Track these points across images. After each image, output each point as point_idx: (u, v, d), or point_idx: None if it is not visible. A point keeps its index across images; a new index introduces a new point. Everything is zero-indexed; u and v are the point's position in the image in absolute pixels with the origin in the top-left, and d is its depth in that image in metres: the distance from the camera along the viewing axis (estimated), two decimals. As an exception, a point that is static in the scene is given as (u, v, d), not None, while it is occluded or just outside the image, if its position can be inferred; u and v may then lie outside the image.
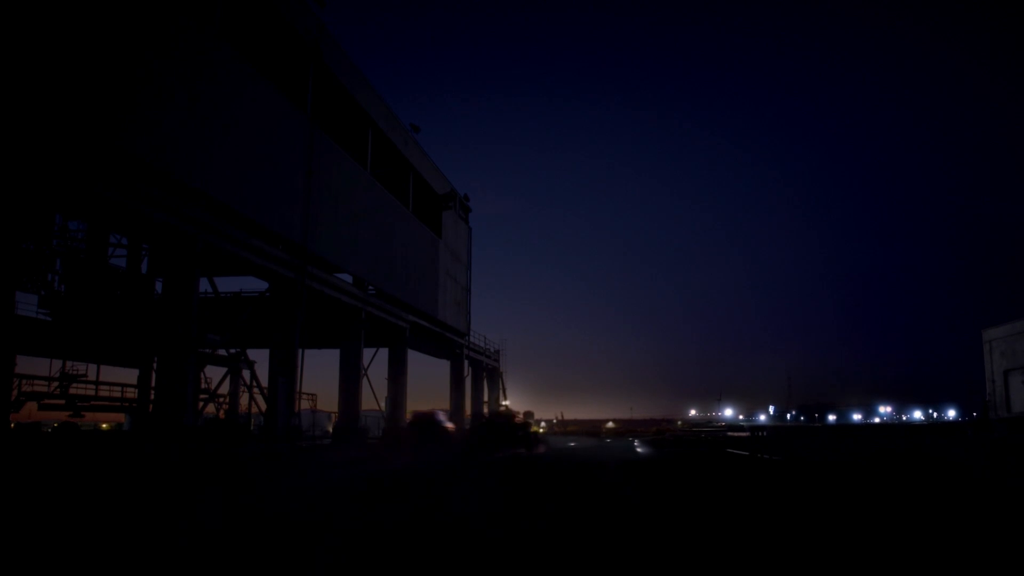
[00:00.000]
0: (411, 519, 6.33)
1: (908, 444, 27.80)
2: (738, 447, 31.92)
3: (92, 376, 29.25)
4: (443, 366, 36.72)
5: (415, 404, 74.92)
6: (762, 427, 39.92)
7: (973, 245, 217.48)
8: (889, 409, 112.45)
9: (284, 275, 19.34)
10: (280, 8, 18.43)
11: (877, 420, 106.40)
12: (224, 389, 31.13)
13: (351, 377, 24.55)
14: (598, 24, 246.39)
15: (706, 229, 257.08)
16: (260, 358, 34.32)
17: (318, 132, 20.31)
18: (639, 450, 33.52)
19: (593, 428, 71.07)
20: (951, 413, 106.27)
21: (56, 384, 27.62)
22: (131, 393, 31.06)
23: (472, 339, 36.78)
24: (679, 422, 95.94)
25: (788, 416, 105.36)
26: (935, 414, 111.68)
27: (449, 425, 26.09)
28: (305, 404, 41.65)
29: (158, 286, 24.74)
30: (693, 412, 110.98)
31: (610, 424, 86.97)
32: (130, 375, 30.08)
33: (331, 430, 50.60)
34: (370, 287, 25.11)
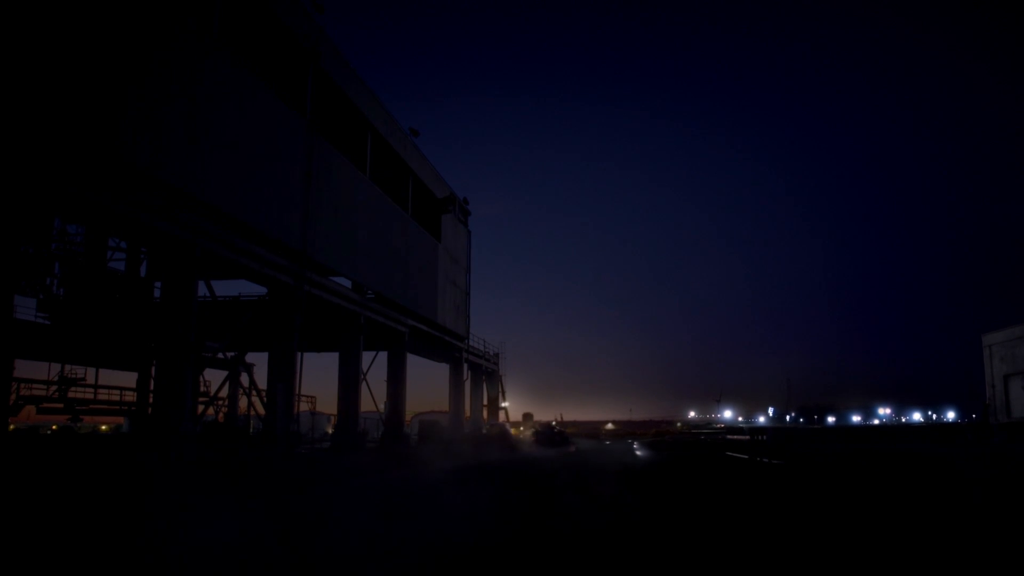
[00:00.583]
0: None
1: (908, 448, 27.86)
2: (738, 450, 31.94)
3: (91, 380, 29.24)
4: (442, 367, 36.72)
5: (414, 406, 74.88)
6: (762, 430, 39.89)
7: (973, 246, 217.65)
8: (888, 411, 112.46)
9: (283, 281, 19.30)
10: (279, 14, 18.39)
11: (876, 422, 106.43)
12: (224, 392, 31.13)
13: (350, 382, 24.52)
14: (597, 25, 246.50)
15: (705, 230, 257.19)
16: (260, 360, 34.33)
17: (317, 137, 20.28)
18: (638, 453, 33.51)
19: (592, 430, 71.06)
20: (950, 415, 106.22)
21: (55, 388, 27.61)
22: (130, 396, 31.03)
23: (471, 342, 36.76)
24: (678, 424, 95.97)
25: (787, 418, 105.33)
26: (934, 416, 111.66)
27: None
28: (304, 406, 41.66)
29: (157, 289, 24.73)
30: (692, 414, 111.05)
31: (609, 426, 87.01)
32: (129, 378, 30.07)
33: (330, 432, 50.66)
34: (369, 292, 25.08)
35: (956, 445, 28.88)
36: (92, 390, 29.70)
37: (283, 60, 19.78)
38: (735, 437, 35.01)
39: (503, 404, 45.00)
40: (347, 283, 23.68)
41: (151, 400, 22.77)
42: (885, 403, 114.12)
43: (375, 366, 27.68)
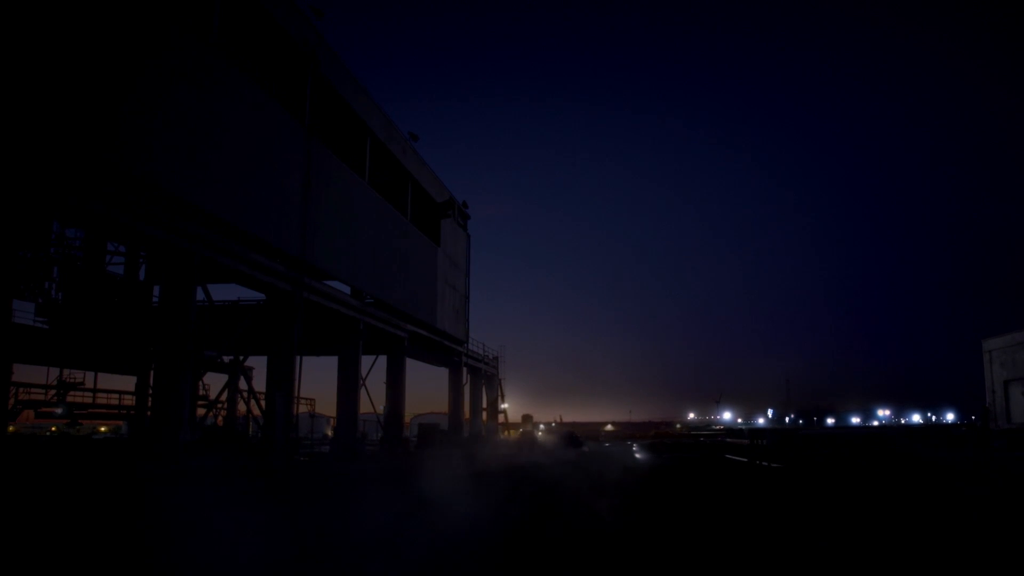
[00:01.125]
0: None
1: (910, 451, 27.86)
2: (737, 454, 31.89)
3: (89, 383, 29.20)
4: (441, 369, 36.70)
5: (413, 407, 74.83)
6: (762, 433, 39.80)
7: (972, 247, 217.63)
8: (888, 412, 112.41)
9: (281, 288, 19.26)
10: (278, 19, 18.34)
11: (876, 423, 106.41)
12: (223, 395, 31.07)
13: (349, 387, 24.49)
14: (596, 26, 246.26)
15: (705, 232, 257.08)
16: (259, 363, 34.27)
17: (316, 143, 20.23)
18: (637, 456, 33.52)
19: (592, 432, 71.00)
20: (950, 416, 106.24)
21: (54, 392, 27.57)
22: (128, 400, 31.00)
23: (471, 346, 36.73)
24: (678, 425, 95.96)
25: (787, 419, 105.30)
26: (934, 417, 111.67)
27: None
28: (303, 407, 41.61)
29: (156, 293, 24.67)
30: (692, 415, 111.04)
31: (609, 427, 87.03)
32: (128, 381, 30.03)
33: (330, 433, 50.66)
34: (368, 297, 25.03)
35: (956, 450, 28.89)
36: (91, 394, 29.68)
37: (282, 66, 19.72)
38: (735, 441, 34.91)
39: (503, 406, 45.04)
40: (346, 289, 23.64)
41: (150, 404, 22.73)
42: (885, 404, 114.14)
43: (375, 368, 27.71)
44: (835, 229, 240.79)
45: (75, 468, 15.43)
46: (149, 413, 21.86)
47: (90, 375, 28.81)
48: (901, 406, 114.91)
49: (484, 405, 40.98)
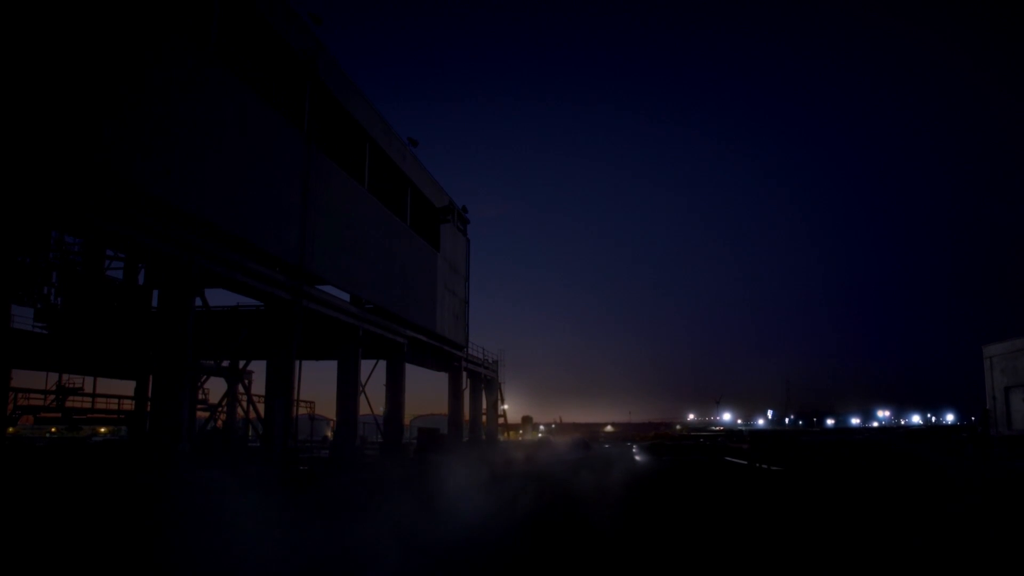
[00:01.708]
0: None
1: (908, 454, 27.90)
2: (738, 456, 31.87)
3: (88, 388, 29.16)
4: (441, 373, 36.66)
5: (413, 408, 74.83)
6: (763, 436, 39.80)
7: (973, 248, 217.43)
8: (887, 413, 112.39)
9: (280, 296, 19.23)
10: (277, 28, 18.29)
11: (876, 424, 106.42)
12: (222, 395, 31.03)
13: (349, 393, 24.47)
14: (595, 28, 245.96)
15: (705, 233, 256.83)
16: (259, 366, 34.23)
17: (315, 150, 20.19)
18: (637, 458, 33.50)
19: (592, 433, 71.01)
20: (949, 417, 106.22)
21: (52, 397, 27.54)
22: (128, 405, 30.97)
23: (470, 351, 36.69)
24: (677, 426, 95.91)
25: (787, 420, 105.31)
26: (933, 418, 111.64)
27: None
28: (303, 409, 41.63)
29: (155, 296, 24.62)
30: (691, 416, 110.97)
31: (609, 428, 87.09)
32: (127, 386, 29.99)
33: (330, 435, 50.64)
34: (368, 303, 24.98)
35: (956, 455, 28.89)
36: (90, 399, 29.65)
37: (281, 73, 19.68)
38: (735, 445, 34.87)
39: (503, 407, 45.08)
40: (345, 295, 23.60)
41: (149, 408, 22.70)
42: (884, 405, 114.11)
43: (375, 371, 27.77)
44: (835, 229, 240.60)
45: (72, 477, 15.40)
46: (148, 420, 21.82)
47: (89, 380, 28.79)
48: (901, 407, 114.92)
49: (484, 409, 40.97)
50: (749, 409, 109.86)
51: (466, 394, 37.72)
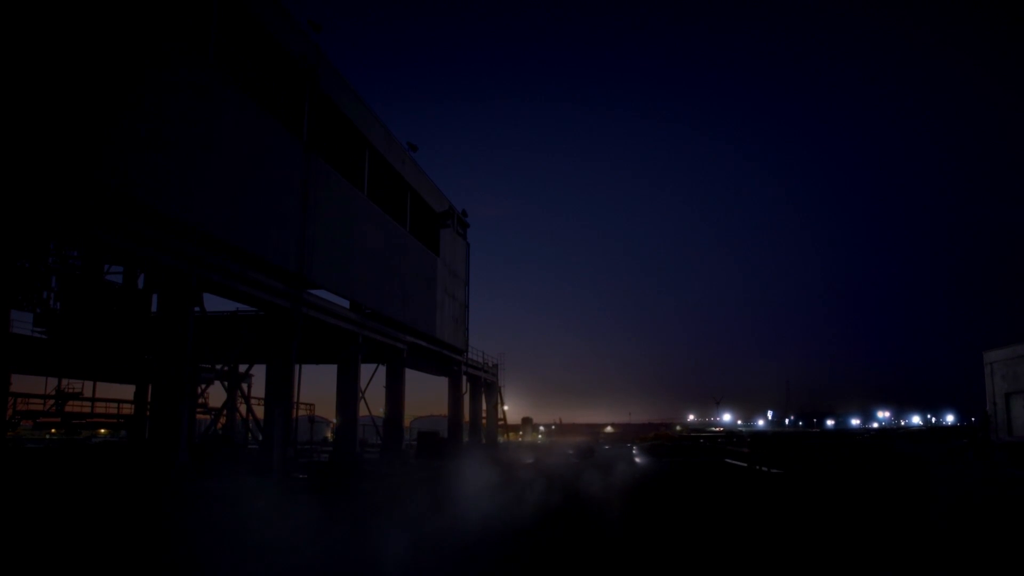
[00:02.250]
0: None
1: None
2: (738, 459, 31.83)
3: (88, 393, 29.18)
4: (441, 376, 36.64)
5: (413, 411, 74.81)
6: (764, 438, 39.80)
7: (973, 249, 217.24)
8: (887, 414, 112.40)
9: (280, 305, 19.18)
10: (276, 34, 18.21)
11: (876, 425, 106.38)
12: (222, 399, 31.07)
13: (348, 398, 24.43)
14: (594, 28, 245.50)
15: (705, 234, 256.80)
16: (259, 369, 34.25)
17: (314, 158, 20.12)
18: (637, 460, 33.46)
19: (593, 434, 71.02)
20: (949, 418, 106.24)
21: (52, 402, 27.56)
22: (127, 408, 30.98)
23: (470, 355, 36.65)
24: (677, 427, 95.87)
25: (787, 421, 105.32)
26: (933, 419, 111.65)
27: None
28: (303, 411, 41.59)
29: (155, 300, 24.59)
30: (691, 417, 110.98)
31: (608, 429, 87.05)
32: (127, 389, 30.00)
33: (330, 437, 50.61)
34: (367, 308, 24.94)
35: (956, 462, 28.85)
36: (89, 403, 29.67)
37: (280, 80, 19.60)
38: (735, 448, 34.84)
39: (504, 406, 45.15)
40: (345, 302, 23.55)
41: (148, 413, 22.68)
42: (884, 406, 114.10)
43: (375, 374, 27.78)
44: (835, 230, 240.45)
45: (65, 483, 15.37)
46: (148, 425, 21.78)
47: (88, 384, 28.78)
48: (901, 407, 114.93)
49: (484, 414, 40.96)
50: (749, 410, 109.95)
51: (466, 398, 37.70)
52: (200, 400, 31.16)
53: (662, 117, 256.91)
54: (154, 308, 23.90)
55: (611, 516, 13.01)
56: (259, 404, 32.17)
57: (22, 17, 11.48)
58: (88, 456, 22.81)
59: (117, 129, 12.85)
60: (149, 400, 23.97)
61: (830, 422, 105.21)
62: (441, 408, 42.32)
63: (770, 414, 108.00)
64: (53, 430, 36.47)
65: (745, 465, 29.90)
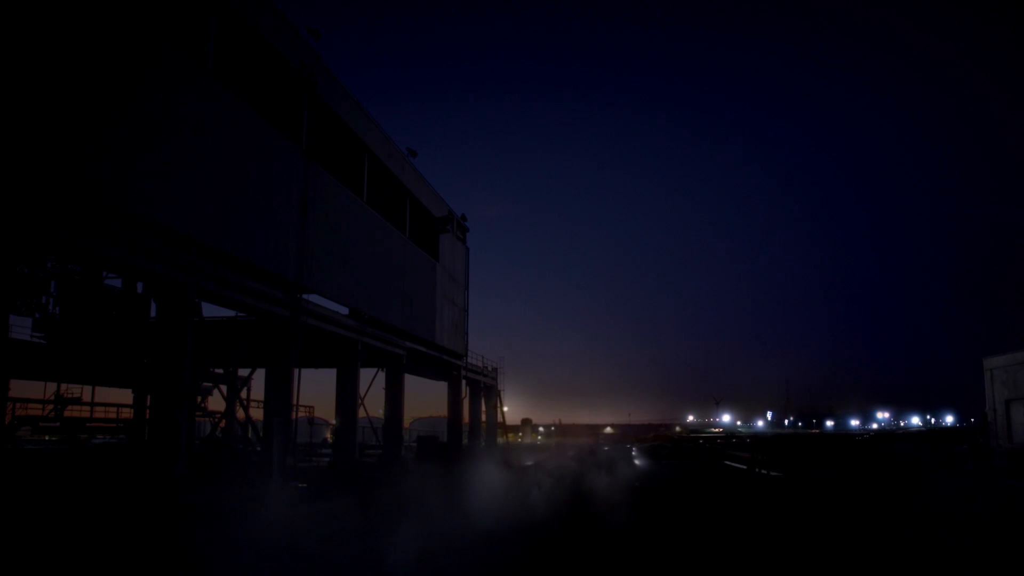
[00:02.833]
0: None
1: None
2: (738, 461, 31.89)
3: (87, 398, 29.18)
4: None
5: (413, 412, 74.84)
6: (763, 441, 39.88)
7: (973, 250, 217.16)
8: (887, 415, 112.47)
9: (279, 314, 19.17)
10: (275, 42, 18.16)
11: (875, 426, 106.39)
12: (221, 399, 31.02)
13: (348, 404, 24.43)
14: (595, 29, 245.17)
15: (705, 235, 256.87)
16: (258, 372, 34.24)
17: (313, 165, 20.09)
18: (637, 462, 33.47)
19: (592, 435, 71.04)
20: (949, 419, 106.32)
21: (51, 407, 27.54)
22: (127, 413, 30.97)
23: (470, 359, 36.64)
24: (677, 427, 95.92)
25: (786, 422, 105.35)
26: (933, 420, 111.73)
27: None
28: (302, 412, 41.59)
29: (153, 306, 24.58)
30: (691, 417, 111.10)
31: (608, 430, 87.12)
32: (125, 393, 29.99)
33: (329, 438, 50.61)
34: (366, 316, 24.92)
35: (956, 469, 28.85)
36: (88, 408, 29.66)
37: (278, 88, 19.58)
38: (735, 452, 34.92)
39: (503, 408, 45.16)
40: (344, 309, 23.53)
41: (147, 416, 22.67)
42: (884, 407, 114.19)
43: (374, 379, 27.82)
44: (836, 230, 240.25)
45: (68, 490, 15.35)
46: (147, 429, 21.77)
47: (87, 389, 28.77)
48: (900, 408, 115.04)
49: (484, 418, 40.97)
50: (749, 410, 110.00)
51: (465, 402, 37.70)
52: (200, 404, 31.13)
53: (662, 118, 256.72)
54: (153, 313, 23.91)
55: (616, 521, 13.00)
56: (258, 407, 32.22)
57: (18, 24, 11.43)
58: (88, 459, 22.78)
59: (113, 137, 12.80)
60: (148, 405, 23.99)
61: (830, 423, 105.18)
62: (441, 408, 42.34)
63: (770, 415, 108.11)
64: (47, 436, 36.51)
65: (744, 468, 29.96)
